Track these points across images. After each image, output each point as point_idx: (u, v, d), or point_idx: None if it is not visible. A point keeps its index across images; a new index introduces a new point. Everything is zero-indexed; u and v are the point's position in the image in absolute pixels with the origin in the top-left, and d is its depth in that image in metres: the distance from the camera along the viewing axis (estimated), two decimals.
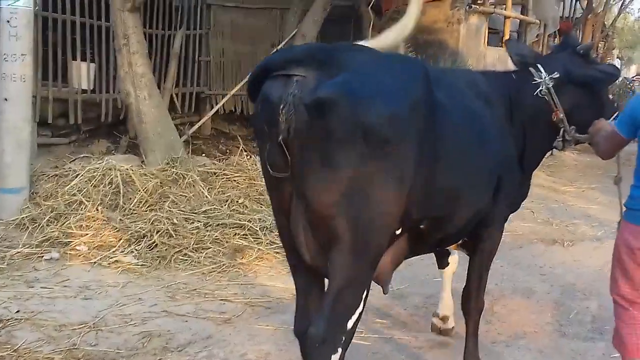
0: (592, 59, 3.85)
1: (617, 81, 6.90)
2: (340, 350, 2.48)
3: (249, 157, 8.01)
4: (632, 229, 3.17)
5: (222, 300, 4.90)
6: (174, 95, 9.94)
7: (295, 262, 2.75)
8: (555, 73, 3.55)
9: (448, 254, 4.08)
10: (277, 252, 5.74)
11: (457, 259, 4.15)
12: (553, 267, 6.16)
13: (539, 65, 3.60)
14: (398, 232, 2.68)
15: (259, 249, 5.92)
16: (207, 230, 6.07)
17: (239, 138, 9.42)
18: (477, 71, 4.15)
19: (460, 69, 4.55)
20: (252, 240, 6.04)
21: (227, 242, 5.96)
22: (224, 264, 5.60)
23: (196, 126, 9.17)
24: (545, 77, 3.53)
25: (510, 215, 3.80)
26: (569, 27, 15.99)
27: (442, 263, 4.18)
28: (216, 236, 6.00)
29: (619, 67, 4.46)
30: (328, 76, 2.34)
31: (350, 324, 2.50)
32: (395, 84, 2.50)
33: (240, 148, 8.33)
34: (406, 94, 2.51)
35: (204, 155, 8.91)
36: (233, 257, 5.74)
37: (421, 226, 2.84)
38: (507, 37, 11.58)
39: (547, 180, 10.26)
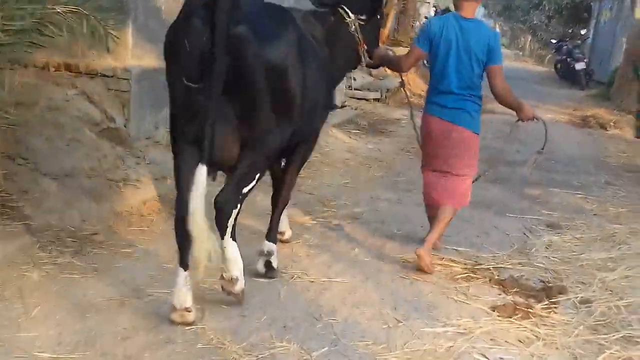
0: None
1: None
2: (239, 205, 3.89)
3: None
4: (426, 118, 5.13)
5: None
6: None
7: (187, 156, 3.70)
8: (363, 15, 4.99)
9: None
10: None
11: None
12: None
13: (345, 7, 4.91)
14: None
15: None
16: None
17: None
18: (309, 11, 4.97)
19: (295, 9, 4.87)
20: None
21: None
22: None
23: None
24: (353, 18, 4.91)
25: None
26: None
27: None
28: None
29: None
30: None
31: (246, 190, 3.90)
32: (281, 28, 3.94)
33: None
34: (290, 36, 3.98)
35: None
36: None
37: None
38: None
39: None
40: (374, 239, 5.82)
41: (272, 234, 4.80)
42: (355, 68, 5.64)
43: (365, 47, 5.07)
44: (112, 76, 6.77)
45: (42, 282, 4.33)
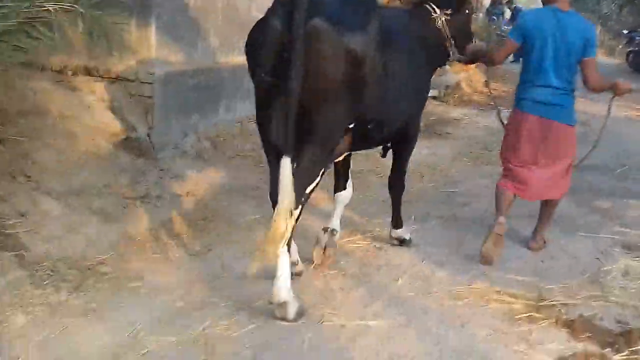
0: None
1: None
2: (301, 206, 3.90)
3: None
4: (520, 115, 5.15)
5: None
6: None
7: (270, 149, 3.96)
8: (449, 10, 5.07)
9: (347, 180, 5.05)
10: None
11: (351, 190, 5.11)
12: None
13: (431, 4, 5.04)
14: (351, 126, 4.07)
15: None
16: None
17: None
18: (399, 8, 5.49)
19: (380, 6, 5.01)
20: None
21: None
22: None
23: None
24: (439, 13, 5.03)
25: None
26: None
27: (339, 186, 5.06)
28: None
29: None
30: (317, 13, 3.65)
31: (309, 190, 3.93)
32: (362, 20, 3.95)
33: None
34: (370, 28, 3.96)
35: None
36: None
37: (369, 126, 4.22)
38: None
39: None
40: (421, 266, 5.10)
41: (396, 222, 5.40)
42: (444, 64, 5.76)
43: (453, 41, 5.15)
44: (134, 80, 6.17)
45: (26, 328, 3.75)
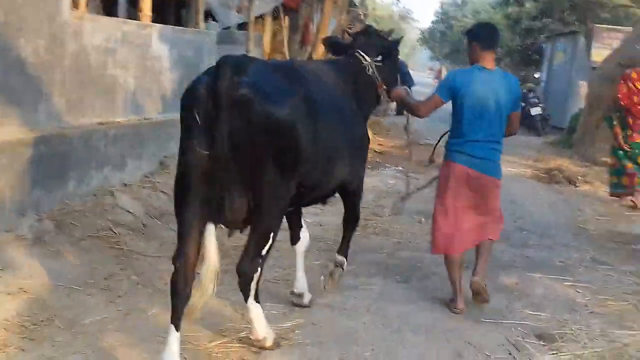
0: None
1: None
2: (259, 269, 4.13)
3: None
4: (452, 166, 5.33)
5: None
6: None
7: (192, 216, 3.82)
8: (379, 57, 5.42)
9: (300, 227, 5.27)
10: None
11: (308, 235, 5.37)
12: None
13: (360, 52, 5.36)
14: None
15: None
16: None
17: None
18: (327, 61, 5.81)
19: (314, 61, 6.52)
20: None
21: None
22: None
23: None
24: (370, 61, 5.35)
25: None
26: (297, 2, 14.49)
27: (295, 239, 5.32)
28: None
29: None
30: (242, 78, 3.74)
31: (264, 252, 4.09)
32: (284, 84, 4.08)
33: None
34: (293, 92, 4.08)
35: None
36: None
37: (301, 189, 4.24)
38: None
39: None
40: None
41: (343, 252, 5.63)
42: (376, 107, 6.04)
43: (385, 87, 5.49)
44: None
45: None
